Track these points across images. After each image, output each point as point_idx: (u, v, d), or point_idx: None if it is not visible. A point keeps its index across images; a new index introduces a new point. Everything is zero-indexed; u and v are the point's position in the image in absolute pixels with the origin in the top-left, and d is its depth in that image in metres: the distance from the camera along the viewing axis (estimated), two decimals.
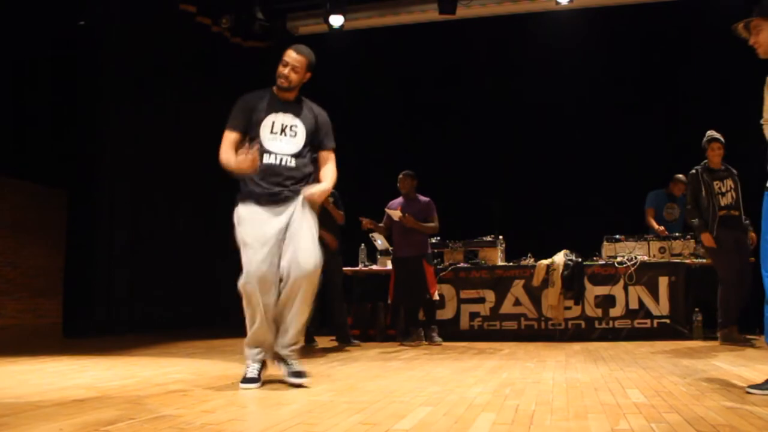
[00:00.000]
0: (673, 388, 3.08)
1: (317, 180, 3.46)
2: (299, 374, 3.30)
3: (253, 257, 3.23)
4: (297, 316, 3.31)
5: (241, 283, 3.24)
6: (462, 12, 8.04)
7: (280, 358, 3.37)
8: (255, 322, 3.28)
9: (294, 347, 3.36)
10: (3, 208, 7.09)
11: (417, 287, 6.05)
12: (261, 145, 3.34)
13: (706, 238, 5.53)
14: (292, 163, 3.39)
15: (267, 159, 3.35)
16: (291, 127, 3.42)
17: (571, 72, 8.25)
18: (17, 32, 6.91)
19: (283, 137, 3.40)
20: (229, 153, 3.33)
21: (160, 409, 2.65)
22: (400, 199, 6.26)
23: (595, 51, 8.18)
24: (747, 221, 5.62)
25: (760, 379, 3.12)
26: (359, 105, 8.75)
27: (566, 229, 7.53)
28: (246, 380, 3.27)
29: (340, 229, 6.02)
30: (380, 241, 6.82)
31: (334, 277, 5.95)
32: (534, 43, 8.36)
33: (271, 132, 3.39)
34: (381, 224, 6.30)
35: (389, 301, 6.39)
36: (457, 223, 7.46)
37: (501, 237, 6.94)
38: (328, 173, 3.48)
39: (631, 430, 2.20)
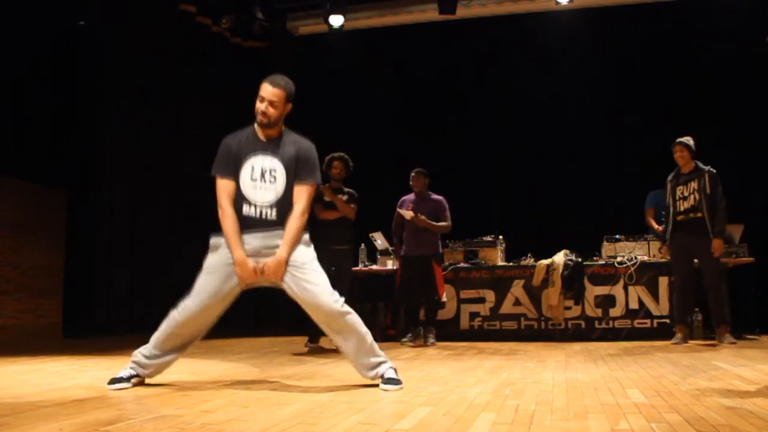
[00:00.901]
0: (673, 388, 3.07)
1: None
2: (390, 381, 3.16)
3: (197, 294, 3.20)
4: (357, 348, 3.18)
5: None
6: (462, 12, 8.04)
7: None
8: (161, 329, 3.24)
9: (377, 369, 3.21)
10: (3, 208, 7.07)
11: (425, 287, 6.01)
12: (240, 194, 3.22)
13: (664, 250, 5.95)
14: (273, 215, 3.20)
15: (246, 210, 3.21)
16: (271, 171, 3.21)
17: (571, 72, 8.25)
18: (17, 32, 6.91)
19: (262, 184, 3.20)
20: (233, 222, 3.19)
21: (160, 409, 2.65)
22: (411, 196, 6.19)
23: (595, 51, 8.18)
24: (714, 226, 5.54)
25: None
26: (359, 105, 8.75)
27: (566, 229, 7.55)
28: (112, 380, 3.20)
29: (353, 227, 5.97)
30: (380, 241, 6.81)
31: (344, 276, 5.90)
32: (534, 43, 8.36)
33: (251, 179, 3.21)
34: (393, 228, 6.26)
35: (395, 300, 6.39)
36: (457, 223, 7.45)
37: (501, 237, 6.94)
38: (291, 224, 3.17)
39: (631, 430, 2.20)
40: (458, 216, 7.13)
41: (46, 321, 7.40)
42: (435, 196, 6.18)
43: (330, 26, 8.21)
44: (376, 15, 8.67)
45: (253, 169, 3.21)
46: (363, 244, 6.98)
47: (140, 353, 3.27)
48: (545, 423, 2.32)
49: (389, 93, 8.86)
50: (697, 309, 6.02)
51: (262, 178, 3.20)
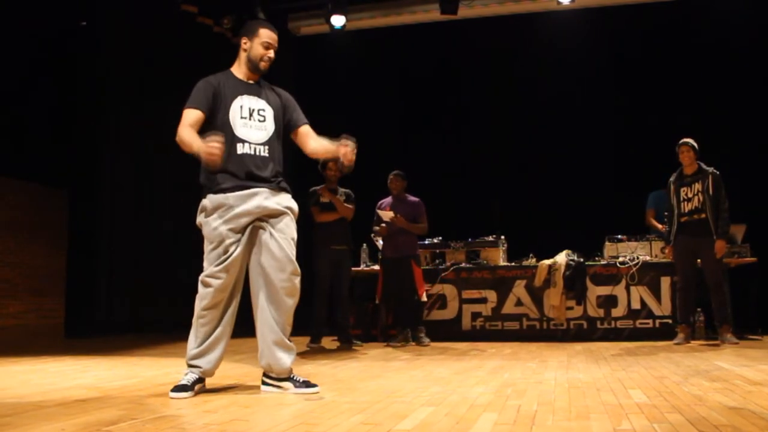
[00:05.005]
0: (675, 388, 3.07)
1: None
2: (306, 384, 3.06)
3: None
4: (276, 332, 3.07)
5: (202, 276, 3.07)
6: (464, 12, 8.01)
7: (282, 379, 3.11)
8: (202, 324, 3.10)
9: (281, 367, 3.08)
10: (3, 208, 7.10)
11: (404, 288, 6.05)
12: (232, 133, 3.09)
13: (668, 250, 5.94)
14: (266, 152, 3.15)
15: (240, 149, 3.10)
16: (259, 111, 3.19)
17: (573, 72, 8.24)
18: (17, 33, 6.92)
19: (252, 122, 3.16)
20: (191, 132, 3.06)
21: (161, 409, 2.65)
22: (389, 199, 6.25)
23: (597, 51, 8.17)
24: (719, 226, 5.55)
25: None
26: (361, 105, 8.74)
27: (568, 229, 7.53)
28: (175, 388, 2.98)
29: (350, 227, 5.99)
30: (381, 242, 6.81)
31: (344, 276, 5.93)
32: (535, 43, 8.35)
33: (241, 117, 3.14)
34: (376, 227, 6.26)
35: (377, 301, 6.43)
36: (459, 223, 7.44)
37: (503, 237, 6.94)
38: (320, 142, 3.28)
39: (633, 430, 2.19)
40: (460, 216, 7.16)
41: (48, 321, 7.42)
42: (412, 198, 6.22)
43: (332, 27, 8.19)
44: (378, 15, 8.65)
45: (242, 108, 3.17)
46: (364, 245, 6.98)
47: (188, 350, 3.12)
48: (547, 423, 2.32)
49: (391, 93, 8.84)
50: (699, 309, 6.01)
51: (251, 117, 3.18)
